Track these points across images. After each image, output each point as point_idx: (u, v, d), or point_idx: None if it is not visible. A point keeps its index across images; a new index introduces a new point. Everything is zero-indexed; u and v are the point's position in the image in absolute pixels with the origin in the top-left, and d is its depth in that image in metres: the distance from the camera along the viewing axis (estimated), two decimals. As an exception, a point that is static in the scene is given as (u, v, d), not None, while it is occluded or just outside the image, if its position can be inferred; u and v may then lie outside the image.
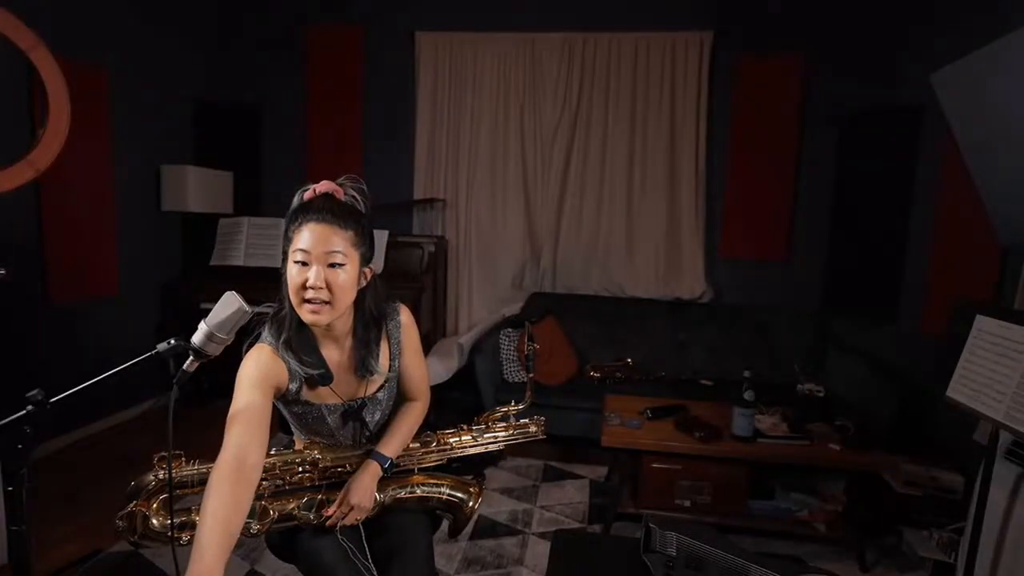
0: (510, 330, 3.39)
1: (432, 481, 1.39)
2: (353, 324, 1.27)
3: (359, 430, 1.34)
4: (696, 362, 3.49)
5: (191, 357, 0.97)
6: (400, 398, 1.41)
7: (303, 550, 1.27)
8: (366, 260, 1.22)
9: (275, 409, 1.23)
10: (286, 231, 1.17)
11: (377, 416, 1.36)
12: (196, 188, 3.55)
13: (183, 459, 1.18)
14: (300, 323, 1.20)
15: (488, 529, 2.45)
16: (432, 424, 1.45)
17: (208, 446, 1.07)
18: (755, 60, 3.59)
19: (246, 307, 0.97)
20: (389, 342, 1.34)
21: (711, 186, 3.74)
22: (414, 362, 1.38)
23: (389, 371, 1.34)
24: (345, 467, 1.29)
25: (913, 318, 3.06)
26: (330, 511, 1.24)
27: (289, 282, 1.16)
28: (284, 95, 4.06)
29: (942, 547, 2.09)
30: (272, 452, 1.24)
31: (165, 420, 0.91)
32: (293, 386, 1.23)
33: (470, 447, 1.42)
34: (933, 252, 2.94)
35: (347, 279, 1.16)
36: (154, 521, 1.15)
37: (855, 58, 3.47)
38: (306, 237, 1.13)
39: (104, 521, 2.33)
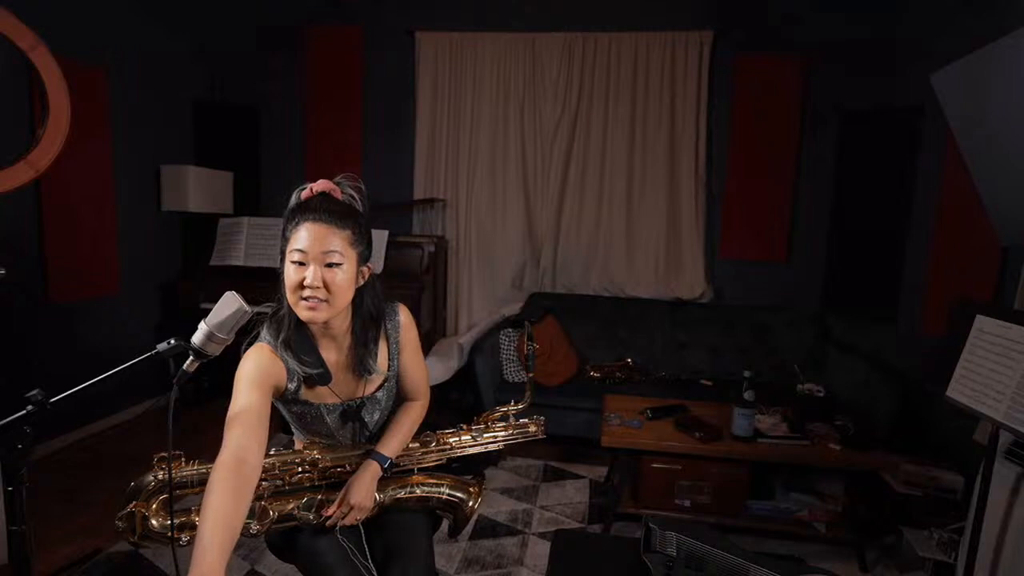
0: (510, 330, 3.39)
1: (432, 481, 1.39)
2: (351, 323, 1.27)
3: (358, 430, 1.34)
4: (696, 362, 3.49)
5: (191, 357, 0.97)
6: (400, 398, 1.41)
7: (303, 550, 1.27)
8: (364, 259, 1.22)
9: (275, 409, 1.23)
10: (284, 230, 1.17)
11: (376, 416, 1.36)
12: (196, 188, 3.55)
13: (183, 459, 1.18)
14: (298, 322, 1.20)
15: (488, 529, 2.45)
16: (432, 424, 1.45)
17: (208, 446, 1.07)
18: (755, 60, 3.59)
19: (246, 307, 0.97)
20: (388, 341, 1.34)
21: (711, 186, 3.74)
22: (413, 362, 1.38)
23: (388, 371, 1.34)
24: (345, 467, 1.29)
25: (913, 318, 3.06)
26: (330, 511, 1.24)
27: (287, 281, 1.15)
28: (284, 95, 4.06)
29: (942, 547, 2.09)
30: (272, 452, 1.24)
31: (165, 420, 0.91)
32: (292, 385, 1.23)
33: (470, 447, 1.42)
34: (933, 252, 2.94)
35: (344, 278, 1.16)
36: (154, 521, 1.15)
37: (855, 58, 3.47)
38: (303, 237, 1.13)
39: (104, 521, 2.33)
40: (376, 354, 1.30)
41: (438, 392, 2.85)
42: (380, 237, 3.33)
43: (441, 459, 1.41)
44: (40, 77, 2.15)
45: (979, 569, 1.59)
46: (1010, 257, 2.44)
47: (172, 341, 0.95)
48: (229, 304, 0.96)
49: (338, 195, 1.22)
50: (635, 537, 1.46)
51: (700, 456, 2.29)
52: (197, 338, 0.96)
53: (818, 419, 2.45)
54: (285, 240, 1.17)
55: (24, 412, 0.86)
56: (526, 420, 1.48)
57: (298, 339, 1.22)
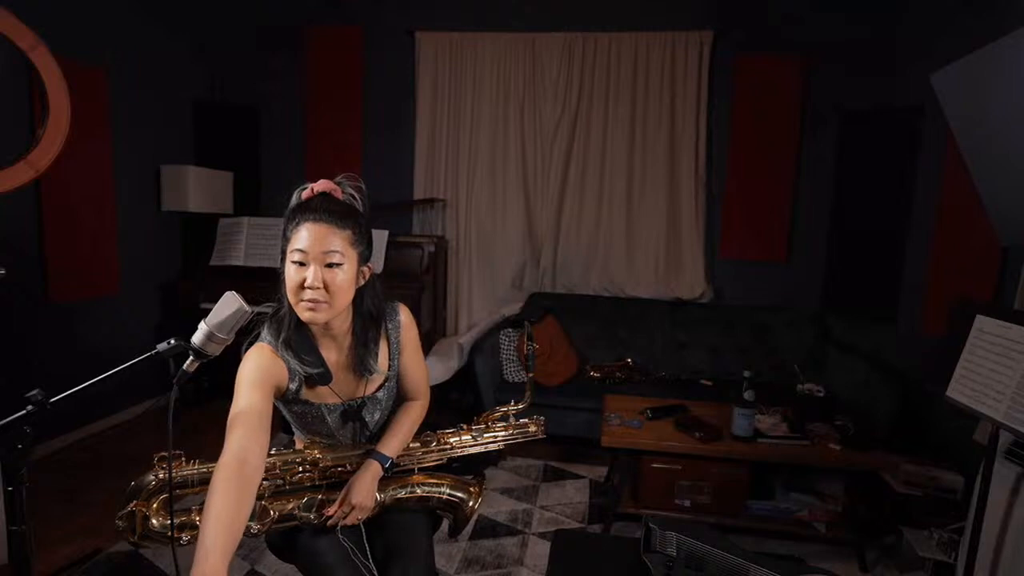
0: (510, 330, 3.39)
1: (432, 481, 1.39)
2: (352, 323, 1.27)
3: (359, 430, 1.34)
4: (696, 362, 3.49)
5: (191, 357, 0.97)
6: (400, 398, 1.41)
7: (303, 550, 1.27)
8: (364, 259, 1.22)
9: (276, 409, 1.23)
10: (284, 230, 1.17)
11: (377, 416, 1.36)
12: (196, 188, 3.55)
13: (183, 459, 1.18)
14: (299, 322, 1.20)
15: (488, 529, 2.45)
16: (432, 424, 1.45)
17: (208, 446, 1.07)
18: (755, 60, 3.59)
19: (246, 307, 0.97)
20: (388, 341, 1.34)
21: (711, 186, 3.74)
22: (414, 361, 1.38)
23: (388, 370, 1.34)
24: (345, 467, 1.29)
25: (913, 318, 3.06)
26: (331, 511, 1.24)
27: (287, 281, 1.15)
28: (284, 95, 4.06)
29: (942, 547, 2.09)
30: (272, 452, 1.24)
31: (165, 420, 0.91)
32: (293, 385, 1.23)
33: (470, 447, 1.42)
34: (933, 252, 2.94)
35: (345, 279, 1.16)
36: (154, 521, 1.15)
37: (855, 58, 3.47)
38: (303, 237, 1.13)
39: (104, 521, 2.33)
40: (376, 354, 1.30)
41: (438, 392, 2.84)
42: (380, 237, 3.33)
43: (441, 459, 1.41)
44: (40, 77, 2.15)
45: (979, 569, 1.59)
46: (1010, 257, 2.44)
47: (172, 341, 0.95)
48: (229, 304, 0.96)
49: (339, 195, 1.22)
50: (635, 537, 1.46)
51: (700, 456, 2.29)
52: (197, 338, 0.96)
53: (818, 419, 2.45)
54: (285, 240, 1.17)
55: (24, 412, 0.86)
56: (526, 420, 1.48)
57: (299, 339, 1.22)
